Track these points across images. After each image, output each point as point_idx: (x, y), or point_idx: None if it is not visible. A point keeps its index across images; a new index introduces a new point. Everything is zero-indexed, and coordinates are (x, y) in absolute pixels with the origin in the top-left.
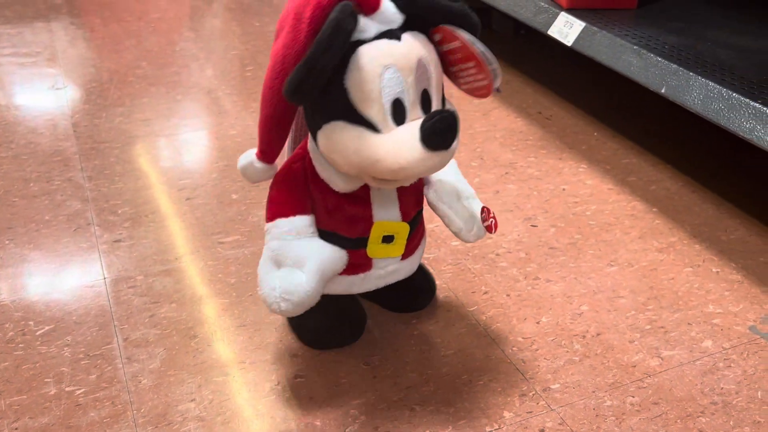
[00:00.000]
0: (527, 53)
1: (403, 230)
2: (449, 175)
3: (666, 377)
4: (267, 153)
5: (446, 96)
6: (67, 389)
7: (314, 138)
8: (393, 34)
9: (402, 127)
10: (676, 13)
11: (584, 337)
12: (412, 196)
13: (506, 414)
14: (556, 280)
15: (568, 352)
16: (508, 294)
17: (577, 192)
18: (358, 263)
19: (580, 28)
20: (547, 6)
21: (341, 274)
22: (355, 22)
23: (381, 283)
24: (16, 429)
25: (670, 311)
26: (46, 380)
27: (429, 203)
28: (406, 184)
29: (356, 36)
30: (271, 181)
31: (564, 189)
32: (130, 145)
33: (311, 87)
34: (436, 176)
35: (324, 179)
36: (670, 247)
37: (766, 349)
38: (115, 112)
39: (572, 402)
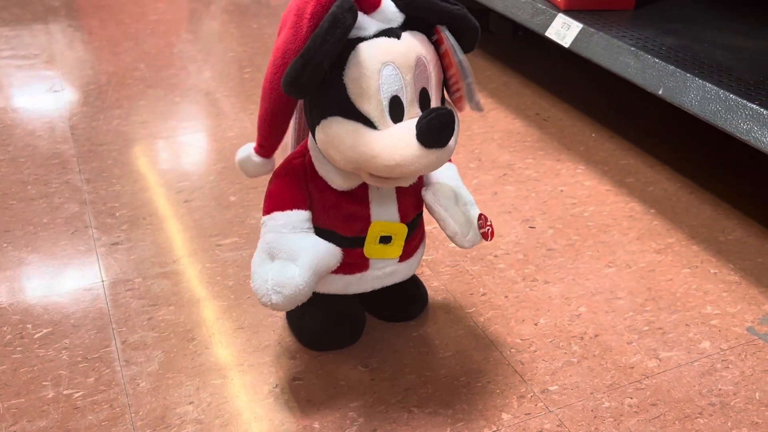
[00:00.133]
0: (525, 54)
1: (401, 231)
2: (450, 179)
3: (664, 378)
4: (265, 147)
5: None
6: (65, 392)
7: (313, 133)
8: (393, 33)
9: (399, 124)
10: (673, 15)
11: (582, 338)
12: (412, 198)
13: (504, 416)
14: (554, 281)
15: (566, 353)
16: (506, 295)
17: (575, 193)
18: (355, 263)
19: (578, 30)
20: (544, 7)
21: (338, 273)
22: (353, 17)
23: (378, 284)
24: None
25: (668, 312)
26: (44, 383)
27: (426, 205)
28: (405, 184)
29: (356, 33)
30: (269, 176)
31: (562, 190)
32: (128, 148)
33: (308, 81)
34: (435, 178)
35: (323, 176)
36: (668, 248)
37: (764, 350)
38: (113, 114)
39: (570, 403)
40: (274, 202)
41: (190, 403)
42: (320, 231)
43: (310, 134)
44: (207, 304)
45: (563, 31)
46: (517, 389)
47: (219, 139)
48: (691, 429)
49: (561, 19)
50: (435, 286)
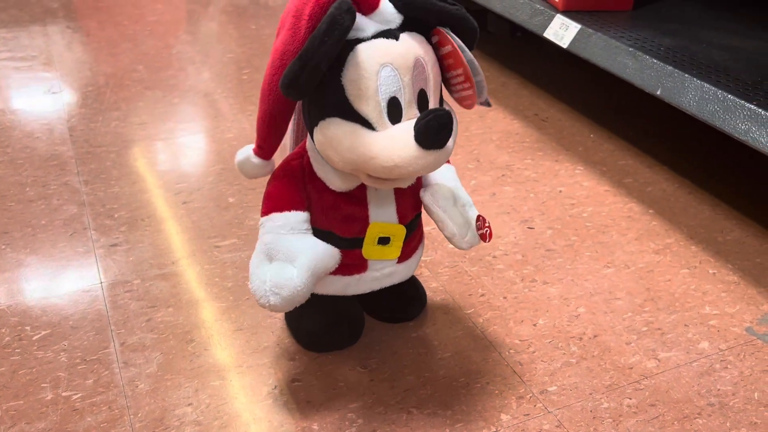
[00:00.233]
0: (523, 55)
1: (399, 232)
2: (448, 181)
3: (663, 379)
4: (264, 148)
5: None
6: (63, 394)
7: (311, 135)
8: (391, 34)
9: (397, 126)
10: (671, 15)
11: (581, 339)
12: (410, 199)
13: (503, 417)
14: (553, 282)
15: (565, 354)
16: (504, 296)
17: (574, 194)
18: (354, 264)
19: (576, 30)
20: (542, 8)
21: (336, 274)
22: (351, 18)
23: (376, 286)
24: None
25: (667, 313)
26: (42, 385)
27: (424, 206)
28: (403, 185)
29: (355, 35)
30: (268, 178)
31: (561, 191)
32: (127, 149)
33: (306, 82)
34: (434, 179)
35: (321, 178)
36: (667, 249)
37: (763, 350)
38: (111, 116)
39: (569, 404)
40: (273, 204)
41: (189, 404)
42: (318, 232)
43: (308, 135)
44: (206, 305)
45: (561, 31)
46: (516, 390)
47: (217, 140)
48: (690, 429)
49: (559, 19)
50: (434, 287)
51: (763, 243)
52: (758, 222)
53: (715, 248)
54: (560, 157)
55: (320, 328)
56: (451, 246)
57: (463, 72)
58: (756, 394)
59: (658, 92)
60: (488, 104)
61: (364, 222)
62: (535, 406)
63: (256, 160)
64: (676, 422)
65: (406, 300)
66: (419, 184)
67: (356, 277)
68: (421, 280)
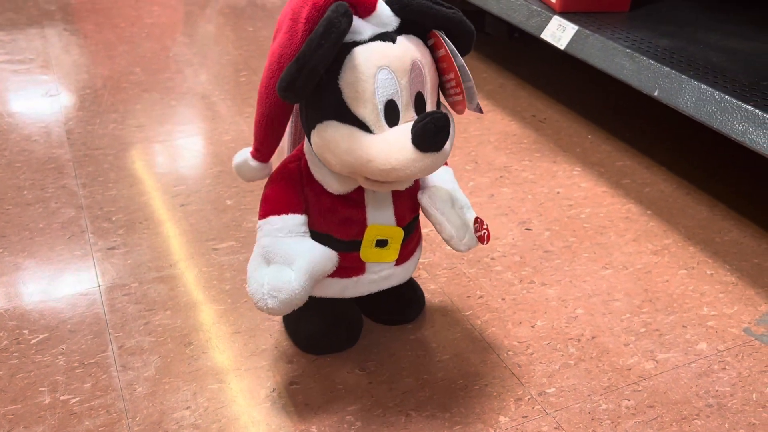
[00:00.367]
0: (521, 56)
1: (397, 235)
2: (446, 183)
3: (661, 380)
4: (261, 151)
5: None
6: (61, 398)
7: (308, 137)
8: (388, 36)
9: (394, 128)
10: (667, 16)
11: (579, 340)
12: (408, 201)
13: (502, 418)
14: (551, 283)
15: (563, 355)
16: (503, 298)
17: (572, 195)
18: (351, 266)
19: (573, 32)
20: (539, 9)
21: (334, 276)
22: (348, 21)
23: (374, 288)
24: None
25: (665, 314)
26: (40, 389)
27: (422, 208)
28: (400, 187)
29: (351, 37)
30: (265, 180)
31: (558, 192)
32: (124, 152)
33: (303, 85)
34: (431, 182)
35: (318, 180)
36: (665, 250)
37: (761, 351)
38: (108, 118)
39: (568, 406)
40: (270, 206)
41: (187, 408)
42: (316, 235)
43: (305, 138)
44: (204, 308)
45: (559, 33)
46: (515, 392)
47: (215, 142)
48: (689, 430)
49: (556, 21)
50: (432, 289)
51: (761, 243)
52: (756, 222)
53: (713, 249)
54: (558, 159)
55: (318, 330)
56: (449, 248)
57: (454, 77)
58: (754, 395)
59: (656, 93)
60: (480, 110)
61: (362, 224)
62: (533, 407)
63: (253, 163)
64: (674, 423)
65: (404, 302)
66: (417, 186)
67: (354, 279)
68: (419, 281)
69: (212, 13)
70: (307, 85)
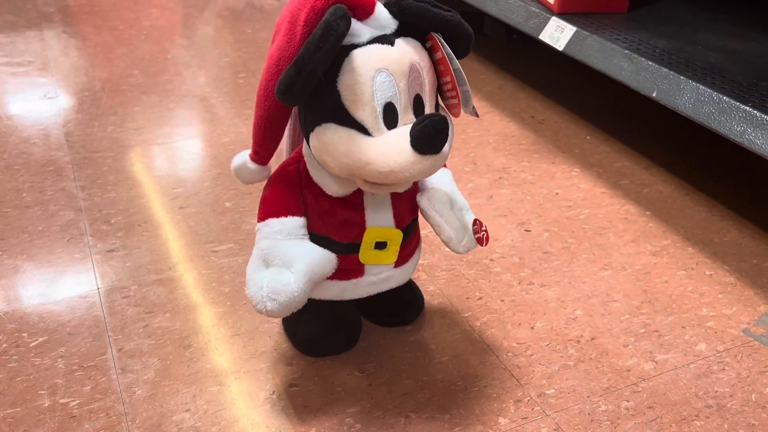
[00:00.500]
0: (519, 58)
1: (396, 237)
2: (444, 185)
3: (660, 381)
4: (260, 154)
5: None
6: (61, 401)
7: (307, 140)
8: (386, 39)
9: (393, 131)
10: (666, 17)
11: (579, 341)
12: (407, 203)
13: (501, 420)
14: (550, 284)
15: (562, 357)
16: (502, 299)
17: (571, 196)
18: (350, 269)
19: (571, 33)
20: (538, 11)
21: (333, 279)
22: (347, 24)
23: (373, 290)
24: None
25: (664, 315)
26: (40, 392)
27: (421, 210)
28: (399, 189)
29: (350, 40)
30: (264, 183)
31: (557, 193)
32: (123, 154)
33: (302, 88)
34: (430, 184)
35: (317, 183)
36: (664, 251)
37: (760, 352)
38: (107, 120)
39: (567, 407)
40: (269, 209)
41: (187, 410)
42: (315, 237)
43: (304, 141)
44: (203, 310)
45: (557, 34)
46: (514, 393)
47: (214, 144)
48: (688, 431)
49: (555, 22)
50: (431, 291)
51: (760, 244)
52: (755, 223)
53: (711, 249)
54: (557, 160)
55: (317, 332)
56: (448, 249)
57: (450, 80)
58: (753, 396)
59: (654, 94)
60: (475, 114)
61: (361, 227)
62: (533, 409)
63: (252, 165)
64: (674, 424)
65: (403, 304)
66: (416, 188)
67: (353, 281)
68: (418, 283)
69: (211, 16)
70: (306, 87)
